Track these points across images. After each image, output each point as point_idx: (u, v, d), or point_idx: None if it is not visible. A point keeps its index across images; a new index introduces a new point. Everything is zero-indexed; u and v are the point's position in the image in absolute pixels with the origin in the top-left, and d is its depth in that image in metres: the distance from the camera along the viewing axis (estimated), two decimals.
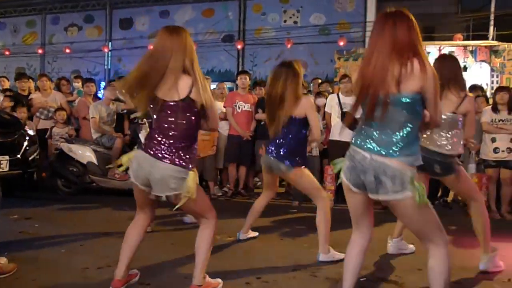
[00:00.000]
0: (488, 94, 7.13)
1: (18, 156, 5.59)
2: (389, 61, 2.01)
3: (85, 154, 6.07)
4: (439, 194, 5.87)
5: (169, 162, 2.38)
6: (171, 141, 2.41)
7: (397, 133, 2.03)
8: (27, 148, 5.73)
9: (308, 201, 5.90)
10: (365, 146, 2.07)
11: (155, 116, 2.50)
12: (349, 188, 2.17)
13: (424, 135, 3.07)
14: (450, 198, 5.90)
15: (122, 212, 5.00)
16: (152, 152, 2.41)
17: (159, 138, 2.43)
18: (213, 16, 12.44)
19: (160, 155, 2.39)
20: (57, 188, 6.17)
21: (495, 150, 5.25)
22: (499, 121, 5.25)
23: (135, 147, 6.04)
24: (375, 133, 2.07)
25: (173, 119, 2.42)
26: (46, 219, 4.60)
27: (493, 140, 5.28)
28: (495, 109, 5.28)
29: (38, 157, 5.98)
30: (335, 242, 3.84)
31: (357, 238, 2.31)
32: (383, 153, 2.02)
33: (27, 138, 5.79)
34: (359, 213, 2.25)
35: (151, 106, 2.48)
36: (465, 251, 3.70)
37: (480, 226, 3.21)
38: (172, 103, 2.40)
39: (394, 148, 2.02)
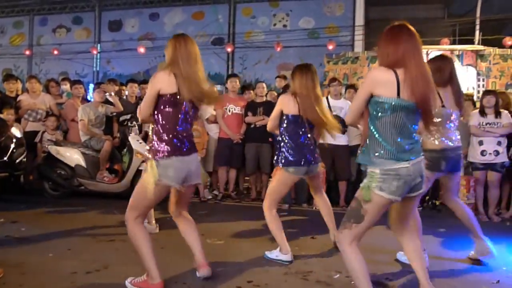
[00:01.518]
0: (475, 97, 7.24)
1: (5, 158, 5.50)
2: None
3: (73, 156, 6.00)
4: (427, 197, 5.91)
5: (195, 152, 2.80)
6: (190, 134, 2.77)
7: (415, 136, 2.30)
8: (14, 150, 5.64)
9: (297, 204, 5.94)
10: (406, 158, 2.20)
11: (173, 114, 2.67)
12: (389, 202, 2.25)
13: (436, 134, 3.33)
14: (438, 201, 5.95)
15: (110, 216, 4.95)
16: (184, 150, 2.68)
17: (184, 134, 2.71)
18: (203, 19, 12.45)
19: (190, 148, 2.73)
20: (45, 191, 6.08)
21: (483, 153, 5.32)
22: (486, 124, 5.32)
23: (125, 150, 6.03)
24: (407, 141, 2.22)
25: (190, 114, 2.75)
26: (33, 222, 4.53)
27: (481, 143, 5.35)
28: (482, 112, 5.35)
29: (25, 159, 5.89)
30: (326, 244, 3.86)
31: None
32: (417, 155, 2.26)
33: (14, 140, 5.70)
34: (376, 220, 2.34)
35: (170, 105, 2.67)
36: (455, 252, 3.73)
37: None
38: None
39: (418, 148, 2.29)
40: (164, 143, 2.63)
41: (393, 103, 2.17)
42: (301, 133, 3.52)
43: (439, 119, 3.29)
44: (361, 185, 2.31)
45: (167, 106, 2.65)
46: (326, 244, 3.86)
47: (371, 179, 2.22)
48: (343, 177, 5.91)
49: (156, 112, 2.69)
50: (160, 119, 2.67)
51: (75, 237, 4.02)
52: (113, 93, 6.51)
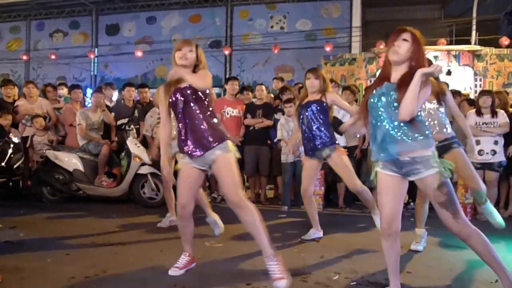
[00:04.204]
0: (472, 97, 7.26)
1: (3, 164, 5.50)
2: None
3: (71, 161, 5.99)
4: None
5: None
6: None
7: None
8: (12, 155, 5.64)
9: (297, 206, 5.94)
10: None
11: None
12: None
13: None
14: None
15: (109, 220, 4.95)
16: None
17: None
18: (200, 22, 12.46)
19: None
20: (43, 196, 6.07)
21: (480, 152, 5.33)
22: (483, 124, 5.34)
23: (123, 153, 6.03)
24: None
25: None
26: (31, 227, 4.52)
27: (478, 142, 5.35)
28: (479, 112, 5.37)
29: (23, 165, 5.89)
30: (325, 245, 3.86)
31: None
32: None
33: (11, 145, 5.70)
34: None
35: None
36: (454, 253, 3.73)
37: None
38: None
39: None
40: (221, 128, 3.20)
41: None
42: None
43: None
44: (435, 171, 2.35)
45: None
46: (325, 246, 3.86)
47: (436, 159, 2.35)
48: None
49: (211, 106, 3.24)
50: (213, 111, 3.24)
51: (74, 242, 4.01)
52: (109, 103, 6.49)
